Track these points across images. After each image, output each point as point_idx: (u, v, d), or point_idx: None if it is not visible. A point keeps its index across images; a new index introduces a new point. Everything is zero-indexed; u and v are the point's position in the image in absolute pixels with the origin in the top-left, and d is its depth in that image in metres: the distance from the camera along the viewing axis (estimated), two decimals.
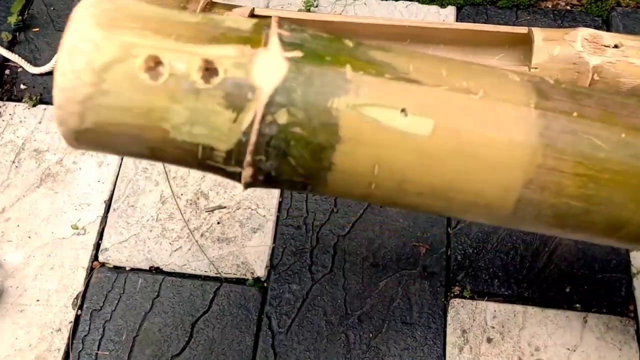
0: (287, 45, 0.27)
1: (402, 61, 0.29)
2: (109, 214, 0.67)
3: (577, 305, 0.61)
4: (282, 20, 0.29)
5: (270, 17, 0.28)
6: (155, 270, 0.64)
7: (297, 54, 0.27)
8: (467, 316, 0.61)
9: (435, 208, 0.30)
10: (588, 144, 0.28)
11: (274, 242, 0.65)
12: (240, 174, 0.28)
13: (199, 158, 0.28)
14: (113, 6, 0.27)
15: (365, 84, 0.27)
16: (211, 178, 0.68)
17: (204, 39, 0.27)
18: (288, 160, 0.27)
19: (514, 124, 0.28)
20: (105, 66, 0.25)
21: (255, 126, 0.26)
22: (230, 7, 0.67)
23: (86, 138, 0.28)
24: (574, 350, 0.59)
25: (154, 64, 0.26)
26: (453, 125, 0.28)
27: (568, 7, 0.76)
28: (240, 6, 0.68)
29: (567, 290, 0.61)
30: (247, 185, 0.29)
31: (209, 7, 0.67)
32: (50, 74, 0.75)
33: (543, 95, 0.29)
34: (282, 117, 0.26)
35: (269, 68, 0.26)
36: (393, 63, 0.29)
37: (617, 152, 0.28)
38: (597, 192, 0.29)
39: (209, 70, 0.26)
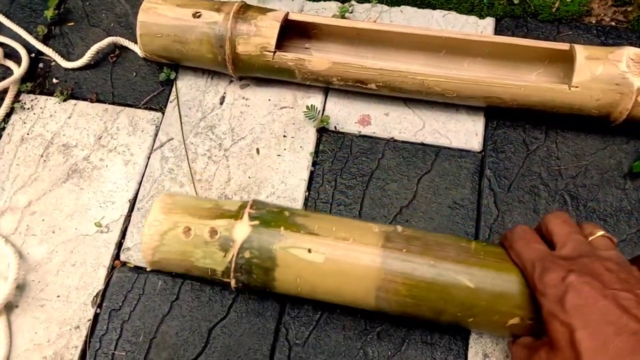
0: (252, 218, 0.54)
1: (312, 223, 0.54)
2: (133, 214, 0.67)
3: None
4: (254, 202, 0.56)
5: (247, 202, 0.56)
6: (175, 273, 0.64)
7: (256, 222, 0.54)
8: (490, 339, 0.59)
9: (336, 301, 0.55)
10: (410, 267, 0.51)
11: None
12: (229, 282, 0.55)
13: (209, 275, 0.55)
14: (171, 200, 0.57)
15: (290, 236, 0.53)
16: (235, 182, 0.67)
17: (212, 216, 0.55)
18: (252, 276, 0.54)
19: (369, 256, 0.52)
20: (165, 232, 0.55)
21: (234, 259, 0.54)
22: (264, 11, 0.66)
23: (155, 264, 0.57)
24: None
25: (187, 230, 0.55)
26: (335, 257, 0.52)
27: (613, 23, 0.73)
28: (275, 10, 0.67)
29: None
30: (235, 289, 0.58)
31: (243, 10, 0.66)
32: (83, 69, 0.75)
33: (388, 239, 0.53)
34: (247, 254, 0.53)
35: (241, 230, 0.53)
36: (306, 224, 0.54)
37: (427, 272, 0.51)
38: (418, 293, 0.51)
39: (213, 232, 0.54)
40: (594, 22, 0.73)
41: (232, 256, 0.53)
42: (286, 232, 0.53)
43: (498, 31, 0.73)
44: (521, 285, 0.49)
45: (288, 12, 0.66)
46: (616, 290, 0.41)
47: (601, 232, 0.48)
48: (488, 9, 0.74)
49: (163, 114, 0.72)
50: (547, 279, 0.43)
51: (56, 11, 0.79)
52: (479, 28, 0.74)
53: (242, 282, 0.54)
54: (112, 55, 0.76)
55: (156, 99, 0.73)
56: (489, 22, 0.74)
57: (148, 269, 0.63)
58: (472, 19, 0.74)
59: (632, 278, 0.42)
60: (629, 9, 0.73)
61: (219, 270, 0.54)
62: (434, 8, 0.75)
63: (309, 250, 0.52)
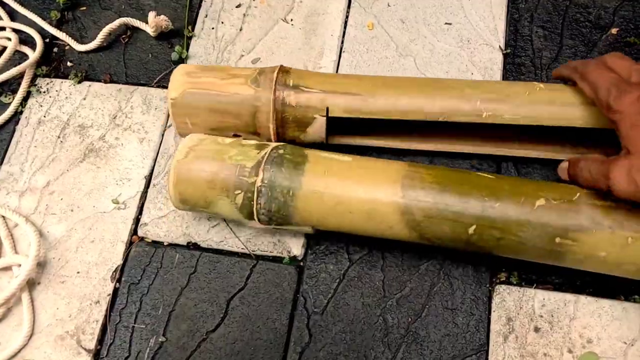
0: None
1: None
2: (149, 190, 0.67)
3: (636, 296, 0.56)
4: None
5: None
6: (193, 246, 0.64)
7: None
8: (513, 304, 0.57)
9: (364, 197, 0.54)
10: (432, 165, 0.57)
11: None
12: (255, 181, 0.54)
13: (236, 174, 0.55)
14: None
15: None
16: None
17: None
18: (281, 170, 0.54)
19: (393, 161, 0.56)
20: (201, 140, 0.60)
21: (267, 154, 0.56)
22: (302, 87, 0.59)
23: (184, 169, 0.58)
24: (632, 345, 0.55)
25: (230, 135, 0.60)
26: (361, 160, 0.57)
27: None
28: (313, 119, 0.60)
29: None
30: (259, 191, 0.55)
31: (282, 73, 0.60)
32: (95, 51, 0.76)
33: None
34: (280, 151, 0.56)
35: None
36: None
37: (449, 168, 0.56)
38: (443, 179, 0.54)
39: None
40: None
41: (266, 153, 0.55)
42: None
43: None
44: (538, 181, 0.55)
45: (327, 114, 0.58)
46: None
47: None
48: None
49: None
50: (625, 99, 0.47)
51: None
52: None
53: (268, 180, 0.54)
54: (123, 36, 0.77)
55: (168, 77, 0.73)
56: None
57: (171, 184, 0.57)
58: None
59: None
60: None
61: (248, 165, 0.54)
62: None
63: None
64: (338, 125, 0.61)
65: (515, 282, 0.58)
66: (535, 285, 0.58)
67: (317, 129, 0.59)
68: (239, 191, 0.55)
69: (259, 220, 0.56)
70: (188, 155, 0.57)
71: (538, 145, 0.62)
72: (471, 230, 0.51)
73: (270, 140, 0.60)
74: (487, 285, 0.58)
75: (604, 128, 0.54)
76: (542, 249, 0.51)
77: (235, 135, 0.60)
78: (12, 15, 0.81)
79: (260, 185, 0.54)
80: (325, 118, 0.58)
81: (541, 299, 0.57)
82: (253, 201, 0.55)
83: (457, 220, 0.51)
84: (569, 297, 0.57)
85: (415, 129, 0.63)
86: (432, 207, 0.52)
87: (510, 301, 0.58)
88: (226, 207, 0.56)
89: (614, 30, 0.68)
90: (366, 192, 0.53)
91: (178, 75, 0.60)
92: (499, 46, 0.69)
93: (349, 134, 0.63)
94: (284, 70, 0.60)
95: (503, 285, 0.58)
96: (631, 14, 0.68)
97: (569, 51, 0.68)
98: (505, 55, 0.68)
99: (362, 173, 0.54)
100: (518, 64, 0.68)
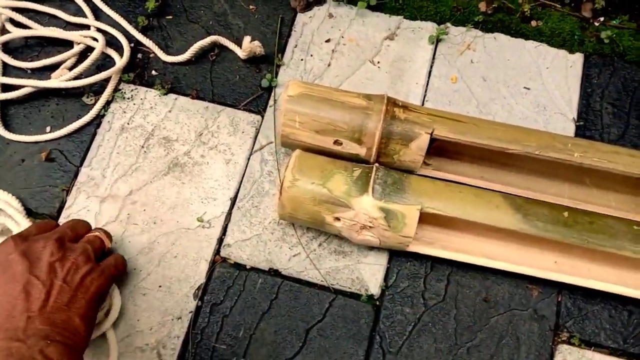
0: None
1: None
2: (233, 211, 0.69)
3: None
4: None
5: None
6: (274, 273, 0.66)
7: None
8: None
9: None
10: None
11: (389, 262, 0.67)
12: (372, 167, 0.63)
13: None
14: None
15: None
16: None
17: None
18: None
19: None
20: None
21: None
22: (410, 108, 0.65)
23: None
24: None
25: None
26: None
27: None
28: (418, 135, 0.63)
29: None
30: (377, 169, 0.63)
31: (390, 106, 0.64)
32: (182, 64, 0.77)
33: None
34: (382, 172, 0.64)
35: None
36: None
37: None
38: None
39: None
40: None
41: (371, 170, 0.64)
42: None
43: (585, 67, 0.77)
44: None
45: (432, 132, 0.63)
46: None
47: None
48: (578, 45, 0.78)
49: (262, 117, 0.74)
50: None
51: (157, 3, 0.80)
52: (569, 62, 0.77)
53: (383, 170, 0.63)
54: (211, 53, 0.78)
55: (255, 102, 0.75)
56: (578, 58, 0.77)
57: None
58: (563, 52, 0.77)
59: None
60: None
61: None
62: (527, 38, 0.78)
63: None
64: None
65: (576, 343, 0.63)
66: (593, 348, 0.63)
67: (420, 144, 0.63)
68: (358, 168, 0.63)
69: (372, 191, 0.60)
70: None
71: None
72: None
73: (370, 150, 0.64)
74: (550, 344, 0.63)
75: None
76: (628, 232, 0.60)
77: (336, 142, 0.64)
78: (96, 13, 0.81)
79: (378, 166, 0.63)
80: (429, 136, 0.62)
81: None
82: (371, 173, 0.61)
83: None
84: None
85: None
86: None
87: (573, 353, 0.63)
88: (341, 180, 0.61)
89: None
90: (476, 193, 0.63)
91: (295, 82, 0.65)
92: (573, 118, 0.74)
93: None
94: (391, 98, 0.65)
95: (565, 345, 0.63)
96: None
97: (635, 131, 0.73)
98: (577, 127, 0.74)
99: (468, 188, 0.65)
100: (588, 136, 0.73)
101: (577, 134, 0.73)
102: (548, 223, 0.59)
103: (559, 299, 0.65)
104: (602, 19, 0.79)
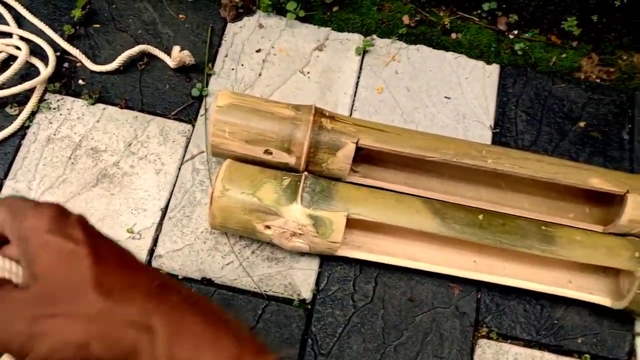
0: None
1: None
2: (164, 222, 0.69)
3: (587, 355, 0.68)
4: None
5: None
6: (207, 282, 0.67)
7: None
8: (492, 356, 0.67)
9: None
10: None
11: (320, 267, 0.69)
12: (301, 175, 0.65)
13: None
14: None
15: None
16: None
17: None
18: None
19: None
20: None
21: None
22: (337, 118, 0.68)
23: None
24: None
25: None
26: None
27: (598, 80, 0.84)
28: (344, 145, 0.66)
29: (579, 340, 0.68)
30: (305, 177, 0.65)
31: (317, 116, 0.67)
32: (110, 73, 0.76)
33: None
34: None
35: None
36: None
37: None
38: None
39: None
40: (582, 77, 0.84)
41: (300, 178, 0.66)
42: None
43: (502, 77, 0.82)
44: None
45: (358, 142, 0.65)
46: None
47: None
48: (495, 56, 0.83)
49: (193, 126, 0.75)
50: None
51: (83, 12, 0.79)
52: (486, 72, 0.82)
53: (312, 179, 0.66)
54: (140, 62, 0.78)
55: (186, 111, 0.75)
56: (494, 68, 0.82)
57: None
58: (480, 63, 0.82)
59: None
60: (611, 69, 0.84)
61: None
62: (447, 50, 0.83)
63: None
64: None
65: (494, 337, 0.68)
66: (509, 340, 0.68)
67: (346, 153, 0.65)
68: (287, 177, 0.65)
69: (301, 199, 0.62)
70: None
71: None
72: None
73: (299, 160, 0.66)
74: (471, 339, 0.68)
75: None
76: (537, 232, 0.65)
77: (266, 152, 0.66)
78: (19, 21, 0.79)
79: (307, 175, 0.65)
80: (355, 145, 0.65)
81: (514, 353, 0.67)
82: (300, 182, 0.64)
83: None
84: (536, 353, 0.68)
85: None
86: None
87: (489, 354, 0.67)
88: (271, 188, 0.63)
89: (582, 124, 0.80)
90: (398, 199, 0.66)
91: (224, 92, 0.66)
92: (490, 125, 0.79)
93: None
94: (319, 109, 0.67)
95: (484, 339, 0.68)
96: (595, 111, 0.81)
97: (546, 137, 0.79)
98: (494, 134, 0.79)
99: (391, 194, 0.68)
100: (504, 142, 0.78)
101: (494, 141, 0.78)
102: (464, 226, 0.63)
103: (479, 296, 0.69)
104: (516, 32, 0.85)
